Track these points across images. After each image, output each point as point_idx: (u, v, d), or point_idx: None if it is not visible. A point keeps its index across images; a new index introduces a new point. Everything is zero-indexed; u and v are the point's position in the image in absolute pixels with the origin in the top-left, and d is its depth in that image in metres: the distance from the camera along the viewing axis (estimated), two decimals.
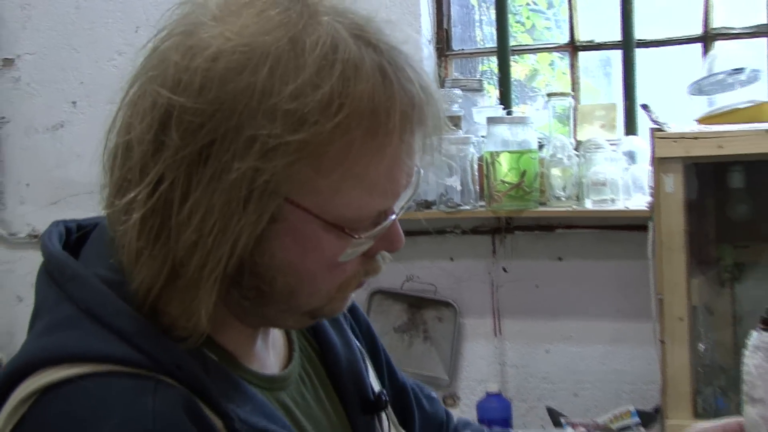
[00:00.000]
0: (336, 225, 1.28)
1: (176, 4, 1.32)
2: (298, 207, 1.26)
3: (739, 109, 3.42)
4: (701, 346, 3.46)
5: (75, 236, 1.44)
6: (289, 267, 1.31)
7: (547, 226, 3.97)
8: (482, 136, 3.90)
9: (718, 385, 3.52)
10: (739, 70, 3.52)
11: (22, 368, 1.26)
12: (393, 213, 1.36)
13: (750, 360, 1.58)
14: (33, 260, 1.30)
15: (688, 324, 3.33)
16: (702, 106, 3.56)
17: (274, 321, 1.43)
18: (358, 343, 1.66)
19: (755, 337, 1.59)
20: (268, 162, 1.21)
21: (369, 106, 1.24)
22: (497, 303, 4.08)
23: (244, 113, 1.21)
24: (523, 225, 4.04)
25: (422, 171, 1.39)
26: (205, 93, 1.22)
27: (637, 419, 3.72)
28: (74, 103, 4.24)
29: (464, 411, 4.05)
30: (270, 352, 1.49)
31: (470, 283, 4.12)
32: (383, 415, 1.61)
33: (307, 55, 1.22)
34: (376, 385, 1.64)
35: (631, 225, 3.73)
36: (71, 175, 4.02)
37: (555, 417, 3.84)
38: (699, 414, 3.38)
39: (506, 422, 3.89)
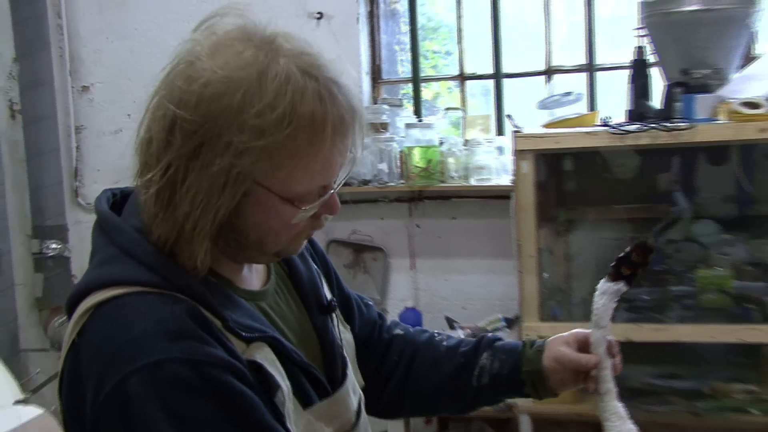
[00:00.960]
0: (288, 199, 1.31)
1: (183, 41, 1.34)
2: (263, 187, 1.28)
3: (569, 118, 3.55)
4: (545, 275, 3.59)
5: (120, 198, 1.44)
6: (258, 226, 1.34)
7: (446, 196, 4.07)
8: (402, 137, 3.97)
9: (555, 300, 3.66)
10: (568, 93, 3.65)
11: (82, 291, 1.31)
12: (330, 189, 1.37)
13: (598, 300, 1.62)
14: None
15: (536, 260, 3.47)
16: (545, 116, 3.66)
17: (251, 260, 1.45)
18: (315, 266, 1.65)
19: (602, 284, 1.62)
20: (239, 160, 1.24)
21: (309, 122, 1.26)
22: (413, 248, 4.21)
23: (224, 125, 1.24)
24: (429, 196, 4.11)
25: (356, 158, 1.39)
26: (198, 109, 1.24)
27: (504, 323, 3.88)
28: (129, 115, 4.23)
29: (391, 318, 4.15)
30: (254, 276, 1.49)
31: (394, 235, 4.21)
32: (333, 315, 1.61)
33: (268, 86, 1.24)
34: (328, 295, 1.63)
35: (500, 195, 3.83)
36: (126, 164, 3.89)
37: (450, 323, 4.01)
38: (543, 319, 3.48)
39: (418, 325, 3.82)
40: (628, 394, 3.47)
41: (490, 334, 1.81)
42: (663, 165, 3.63)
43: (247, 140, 1.24)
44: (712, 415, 3.33)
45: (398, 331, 1.84)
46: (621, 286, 1.60)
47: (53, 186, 4.34)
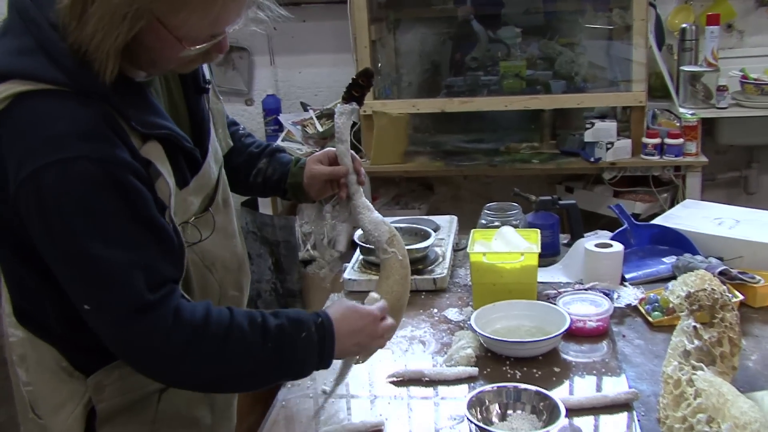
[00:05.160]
0: (180, 39, 1.18)
1: None
2: (160, 22, 1.15)
3: None
4: (379, 64, 3.54)
5: None
6: (152, 52, 1.20)
7: (296, 2, 3.73)
8: None
9: (386, 83, 3.65)
10: None
11: (5, 73, 1.18)
12: (220, 35, 1.22)
13: (338, 120, 1.53)
14: None
15: (370, 51, 3.37)
16: None
17: (147, 72, 1.28)
18: None
19: (339, 107, 1.54)
20: (136, 2, 1.11)
21: None
22: (272, 48, 3.94)
23: None
24: (283, 2, 3.57)
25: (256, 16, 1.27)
26: None
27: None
28: None
29: (256, 106, 3.98)
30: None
31: (257, 37, 3.81)
32: (204, 96, 1.47)
33: None
34: (207, 74, 1.48)
35: (341, 1, 3.53)
36: None
37: (305, 107, 3.81)
38: (377, 98, 3.43)
39: (278, 110, 3.83)
40: (444, 155, 3.49)
41: (275, 145, 1.74)
42: None
43: None
44: (505, 166, 3.39)
45: None
46: (354, 106, 1.53)
47: None
